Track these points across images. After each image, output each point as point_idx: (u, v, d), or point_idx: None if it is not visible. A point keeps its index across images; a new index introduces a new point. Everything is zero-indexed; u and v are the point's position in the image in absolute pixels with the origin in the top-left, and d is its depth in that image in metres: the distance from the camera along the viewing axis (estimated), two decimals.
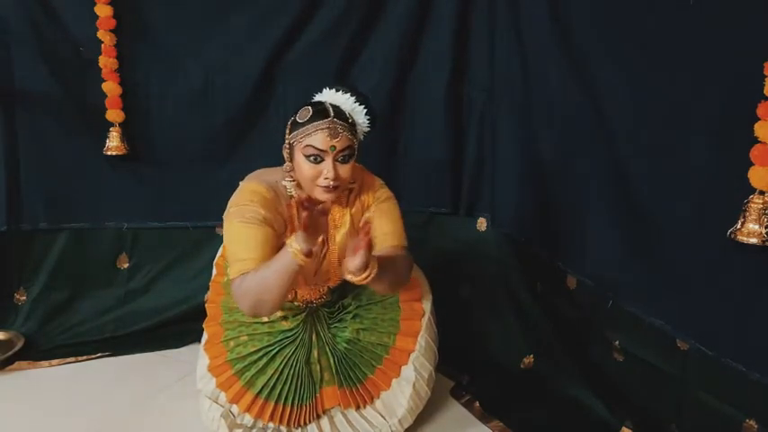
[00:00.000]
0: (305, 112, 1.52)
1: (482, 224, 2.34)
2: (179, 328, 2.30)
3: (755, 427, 1.48)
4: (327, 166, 1.50)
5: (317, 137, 1.49)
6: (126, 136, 2.29)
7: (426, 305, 1.80)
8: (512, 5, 2.09)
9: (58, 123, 2.27)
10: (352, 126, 1.54)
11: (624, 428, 1.75)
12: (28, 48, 2.18)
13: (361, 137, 1.60)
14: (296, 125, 1.53)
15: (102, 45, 2.20)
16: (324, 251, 1.64)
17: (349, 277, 1.42)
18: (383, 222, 1.65)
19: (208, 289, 1.87)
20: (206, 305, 1.83)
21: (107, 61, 2.21)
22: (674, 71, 1.56)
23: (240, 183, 1.62)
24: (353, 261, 1.38)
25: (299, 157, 1.52)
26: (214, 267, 1.89)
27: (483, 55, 2.24)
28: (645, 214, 1.69)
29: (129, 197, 2.37)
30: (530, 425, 1.84)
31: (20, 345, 2.15)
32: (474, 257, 2.33)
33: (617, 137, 1.76)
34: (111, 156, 2.28)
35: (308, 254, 1.37)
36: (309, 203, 1.33)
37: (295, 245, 1.37)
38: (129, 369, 2.12)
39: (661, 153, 1.61)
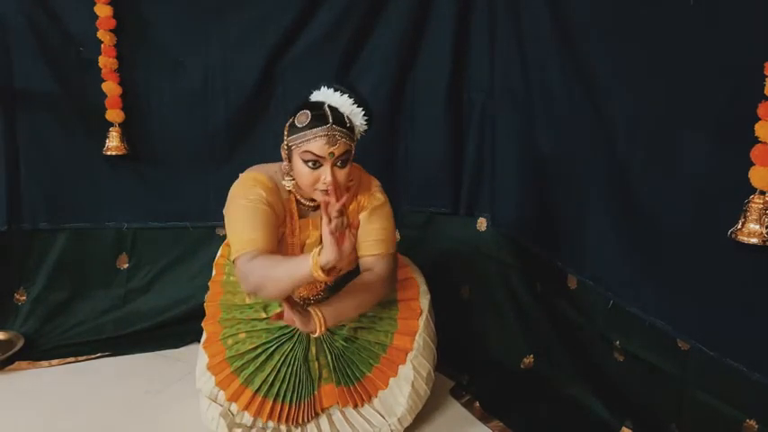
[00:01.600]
0: (303, 117, 1.50)
1: (482, 224, 2.34)
2: (179, 328, 2.30)
3: (755, 427, 1.48)
4: (326, 172, 1.49)
5: (316, 143, 1.48)
6: (126, 136, 2.30)
7: (424, 303, 1.79)
8: (512, 5, 2.09)
9: (58, 123, 2.27)
10: (350, 130, 1.53)
11: (624, 428, 1.75)
12: (28, 48, 2.18)
13: (359, 137, 1.60)
14: (294, 129, 1.52)
15: (102, 45, 2.20)
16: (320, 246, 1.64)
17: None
18: (372, 229, 1.65)
19: (208, 289, 1.87)
20: (205, 304, 1.83)
21: (107, 61, 2.21)
22: (674, 71, 1.56)
23: (240, 174, 1.63)
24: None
25: (298, 162, 1.52)
26: (213, 267, 1.89)
27: (483, 55, 2.24)
28: (645, 214, 1.69)
29: (129, 197, 2.37)
30: (530, 425, 1.84)
31: (20, 345, 2.15)
32: (474, 257, 2.33)
33: (617, 137, 1.75)
34: (111, 156, 2.28)
35: (329, 271, 1.32)
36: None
37: (318, 257, 1.31)
38: (129, 369, 2.12)
39: (661, 153, 1.61)
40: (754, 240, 1.35)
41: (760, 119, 1.31)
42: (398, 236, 2.41)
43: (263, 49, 2.27)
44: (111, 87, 2.24)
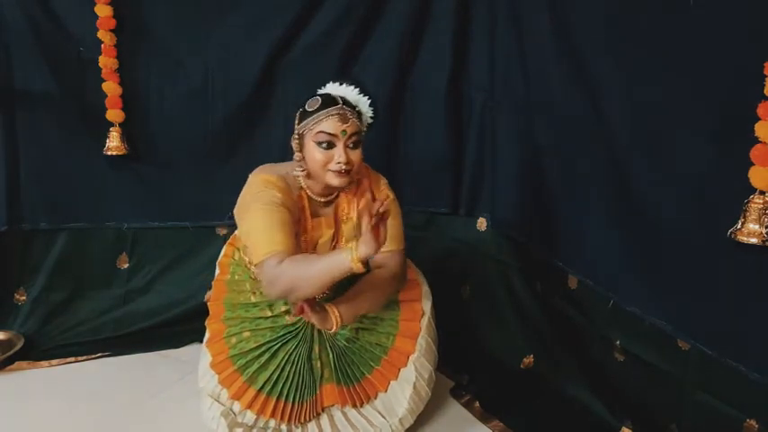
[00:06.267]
0: (314, 102, 1.58)
1: (482, 224, 2.34)
2: (179, 328, 2.30)
3: (755, 427, 1.48)
4: (339, 151, 1.56)
5: (329, 122, 1.55)
6: (126, 136, 2.30)
7: (426, 305, 1.79)
8: (512, 5, 2.09)
9: (58, 123, 2.27)
10: (358, 114, 1.61)
11: (624, 428, 1.75)
12: (28, 48, 2.18)
13: (365, 127, 1.65)
14: (305, 114, 1.59)
15: (102, 45, 2.20)
16: (333, 244, 1.69)
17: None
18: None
19: (208, 288, 1.87)
20: (208, 304, 1.83)
21: (107, 61, 2.21)
22: (674, 71, 1.56)
23: (249, 176, 1.64)
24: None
25: (310, 145, 1.58)
26: (217, 267, 1.88)
27: (483, 55, 2.24)
28: (645, 214, 1.69)
29: (129, 197, 2.37)
30: (530, 425, 1.84)
31: (20, 345, 2.15)
32: (474, 257, 2.33)
33: (617, 137, 1.76)
34: (111, 156, 2.28)
35: (366, 263, 1.37)
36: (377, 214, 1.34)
37: (356, 252, 1.35)
38: (129, 369, 2.12)
39: (661, 153, 1.61)
40: (753, 240, 1.35)
41: (760, 119, 1.31)
42: None
43: (263, 49, 2.28)
44: (111, 87, 2.24)
